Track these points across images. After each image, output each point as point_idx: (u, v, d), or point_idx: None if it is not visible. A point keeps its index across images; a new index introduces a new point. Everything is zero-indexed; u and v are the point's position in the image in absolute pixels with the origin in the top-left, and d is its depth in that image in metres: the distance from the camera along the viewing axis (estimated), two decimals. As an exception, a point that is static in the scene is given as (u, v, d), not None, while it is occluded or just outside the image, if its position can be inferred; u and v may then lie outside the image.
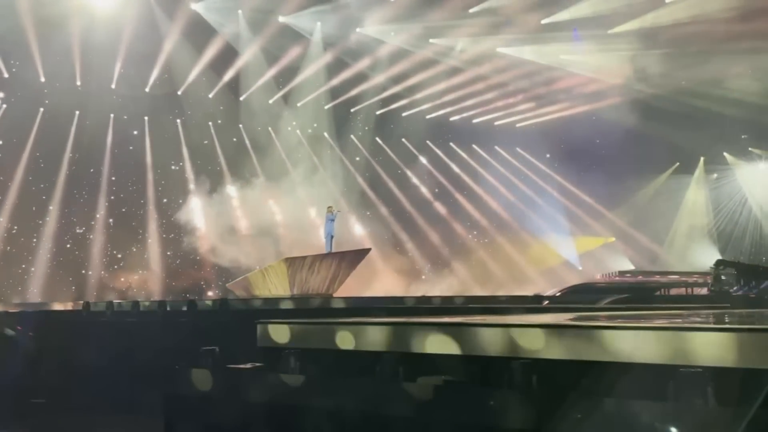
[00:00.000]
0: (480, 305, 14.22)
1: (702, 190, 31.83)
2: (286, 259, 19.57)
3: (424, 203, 29.92)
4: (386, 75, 27.12)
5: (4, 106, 23.80)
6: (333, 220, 20.18)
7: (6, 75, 23.63)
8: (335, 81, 26.98)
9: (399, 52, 26.53)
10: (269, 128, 27.34)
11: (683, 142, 28.79)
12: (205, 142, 26.70)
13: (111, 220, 25.45)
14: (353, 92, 27.57)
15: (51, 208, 24.56)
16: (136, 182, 25.92)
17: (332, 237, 20.23)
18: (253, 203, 25.50)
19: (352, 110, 28.62)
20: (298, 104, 27.57)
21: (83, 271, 24.70)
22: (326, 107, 28.01)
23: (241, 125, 27.19)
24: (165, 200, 26.21)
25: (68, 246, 24.94)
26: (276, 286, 18.98)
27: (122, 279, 25.27)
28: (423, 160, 30.41)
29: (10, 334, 11.90)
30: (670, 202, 31.48)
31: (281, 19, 25.46)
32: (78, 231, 25.11)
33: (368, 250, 21.33)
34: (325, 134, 28.45)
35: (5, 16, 21.35)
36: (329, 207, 20.65)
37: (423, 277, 28.42)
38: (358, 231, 27.64)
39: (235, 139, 27.16)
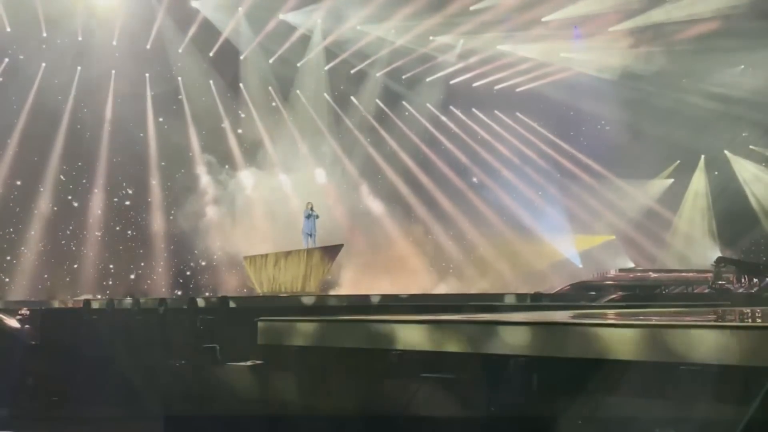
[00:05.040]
0: (480, 303, 14.21)
1: (702, 188, 31.81)
2: (246, 257, 19.32)
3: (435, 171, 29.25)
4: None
5: (6, 60, 23.40)
6: (308, 217, 19.20)
7: (8, 29, 23.15)
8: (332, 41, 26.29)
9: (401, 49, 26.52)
10: (269, 87, 26.49)
11: (683, 141, 28.76)
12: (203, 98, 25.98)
13: (108, 237, 24.70)
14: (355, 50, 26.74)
15: (42, 189, 23.53)
16: (137, 165, 25.22)
17: (311, 236, 19.25)
18: (265, 183, 24.84)
19: (352, 71, 27.42)
20: (298, 64, 26.59)
21: (76, 266, 24.20)
22: (326, 68, 27.27)
23: (241, 84, 26.62)
24: (171, 195, 25.53)
25: (64, 232, 24.28)
26: (251, 284, 18.92)
27: (122, 273, 24.77)
28: (429, 126, 29.65)
29: (11, 331, 11.92)
30: (670, 201, 31.45)
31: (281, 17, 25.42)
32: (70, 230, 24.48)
33: (340, 246, 19.55)
34: (325, 95, 27.62)
35: None
36: (308, 203, 19.64)
37: (444, 265, 27.97)
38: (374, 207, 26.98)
39: (244, 116, 26.58)
